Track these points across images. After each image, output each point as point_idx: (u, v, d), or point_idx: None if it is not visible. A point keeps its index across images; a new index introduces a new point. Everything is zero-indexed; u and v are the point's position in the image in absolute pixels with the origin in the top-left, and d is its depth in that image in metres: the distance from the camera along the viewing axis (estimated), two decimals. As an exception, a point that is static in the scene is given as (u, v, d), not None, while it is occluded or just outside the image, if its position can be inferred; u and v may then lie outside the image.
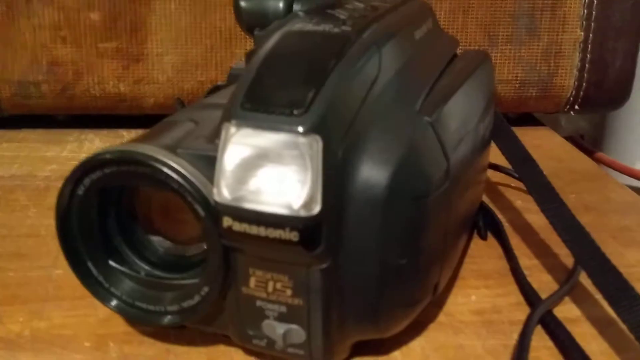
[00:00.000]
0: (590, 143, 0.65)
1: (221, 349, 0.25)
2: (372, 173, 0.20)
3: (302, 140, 0.19)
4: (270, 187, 0.19)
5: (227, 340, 0.26)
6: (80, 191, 0.22)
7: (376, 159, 0.21)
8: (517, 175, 0.40)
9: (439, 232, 0.23)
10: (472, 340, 0.27)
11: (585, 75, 0.50)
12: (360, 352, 0.25)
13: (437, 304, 0.28)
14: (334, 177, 0.20)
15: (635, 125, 0.59)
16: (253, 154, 0.19)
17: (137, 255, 0.25)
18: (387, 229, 0.21)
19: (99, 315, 0.27)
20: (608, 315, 0.28)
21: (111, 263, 0.24)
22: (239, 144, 0.19)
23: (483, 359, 0.25)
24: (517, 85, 0.50)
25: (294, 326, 0.22)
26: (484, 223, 0.35)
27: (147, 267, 0.24)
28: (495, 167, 0.41)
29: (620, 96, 0.52)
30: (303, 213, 0.19)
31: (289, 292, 0.21)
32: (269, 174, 0.19)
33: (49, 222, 0.35)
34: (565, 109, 0.52)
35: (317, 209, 0.19)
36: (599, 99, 0.51)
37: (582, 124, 0.68)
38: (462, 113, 0.25)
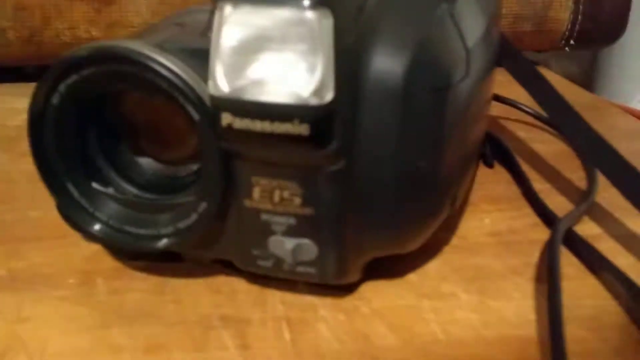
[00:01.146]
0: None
1: (221, 279, 0.23)
2: (388, 62, 0.18)
3: (309, 15, 0.16)
4: (275, 73, 0.17)
5: (227, 270, 0.23)
6: (55, 100, 0.20)
7: (392, 46, 0.18)
8: (520, 105, 0.38)
9: (458, 133, 0.21)
10: (491, 260, 0.25)
11: (581, 7, 0.48)
12: (372, 274, 0.23)
13: (449, 228, 0.26)
14: (347, 63, 0.17)
15: (627, 64, 0.58)
16: (253, 36, 0.17)
17: (123, 178, 0.22)
18: (406, 125, 0.18)
19: (84, 253, 0.25)
20: (630, 231, 0.27)
21: (94, 185, 0.21)
22: (237, 25, 0.17)
23: (506, 277, 0.24)
24: (511, 20, 0.48)
25: (304, 240, 0.20)
26: (490, 150, 0.33)
27: (135, 190, 0.22)
28: (497, 99, 0.38)
29: (615, 30, 0.50)
30: (314, 101, 0.17)
31: (297, 200, 0.19)
32: (273, 58, 0.17)
33: (23, 167, 0.33)
34: (561, 44, 0.50)
35: (329, 96, 0.17)
36: (594, 32, 0.49)
37: (573, 68, 0.66)
38: (474, 12, 0.23)
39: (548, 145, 0.36)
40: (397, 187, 0.19)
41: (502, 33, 0.31)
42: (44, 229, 0.26)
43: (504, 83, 0.32)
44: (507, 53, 0.31)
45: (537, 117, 0.38)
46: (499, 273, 0.24)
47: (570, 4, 0.48)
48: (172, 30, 0.21)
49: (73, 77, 0.19)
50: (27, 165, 0.33)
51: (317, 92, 0.17)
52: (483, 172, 0.32)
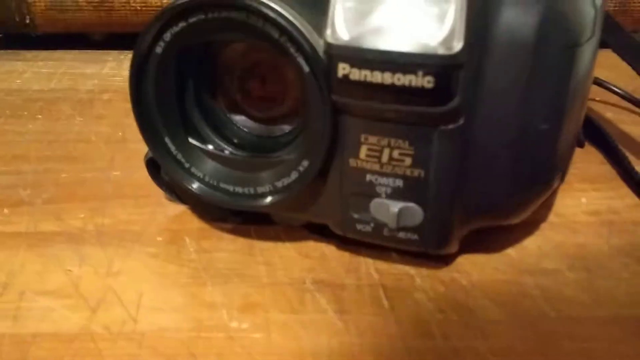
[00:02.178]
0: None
1: (310, 244, 0.22)
2: (519, 15, 0.17)
3: (444, -43, 0.15)
4: (400, 20, 0.16)
5: (315, 235, 0.23)
6: (159, 49, 0.19)
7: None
8: (610, 86, 0.37)
9: (580, 98, 0.19)
10: (593, 239, 0.23)
11: (668, -13, 0.46)
12: (469, 249, 0.22)
13: (546, 205, 0.25)
14: (477, 14, 0.16)
15: None
16: (381, -21, 0.16)
17: (218, 135, 0.21)
18: (533, 82, 0.17)
19: (169, 213, 0.24)
20: None
21: (191, 140, 0.21)
22: (364, -33, 0.16)
23: (612, 257, 0.22)
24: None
25: (410, 204, 0.19)
26: (582, 130, 0.31)
27: (230, 148, 0.21)
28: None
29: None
30: (442, 51, 0.16)
31: (408, 161, 0.18)
32: (399, 4, 0.16)
33: (99, 129, 0.33)
34: (644, 26, 0.47)
35: (458, 47, 0.16)
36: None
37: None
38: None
39: (637, 127, 0.34)
40: (516, 149, 0.18)
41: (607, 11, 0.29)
42: (127, 188, 0.26)
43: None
44: (609, 26, 0.29)
45: (627, 98, 0.36)
46: (604, 253, 0.22)
47: (657, -17, 0.46)
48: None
49: (180, 25, 0.19)
50: (103, 127, 0.33)
51: (446, 41, 0.16)
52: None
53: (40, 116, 0.34)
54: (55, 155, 0.29)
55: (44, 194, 0.26)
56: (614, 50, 0.29)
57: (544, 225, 0.24)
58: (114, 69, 0.43)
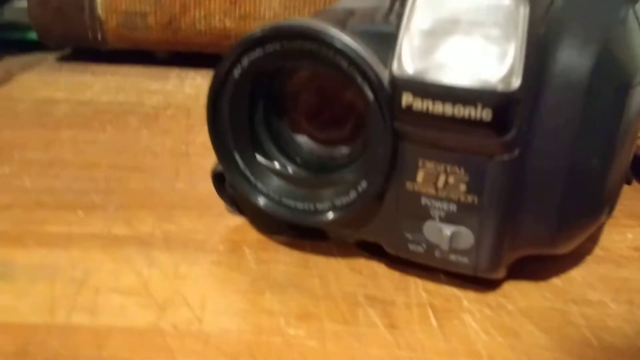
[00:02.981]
0: None
1: (362, 261, 0.24)
2: (575, 56, 0.18)
3: (507, 1, 0.17)
4: (463, 57, 0.17)
5: (366, 254, 0.24)
6: (237, 73, 0.21)
7: (580, 41, 0.18)
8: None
9: (629, 136, 0.20)
10: (637, 273, 0.24)
11: None
12: (515, 275, 0.23)
13: (592, 239, 0.26)
14: (535, 54, 0.17)
15: None
16: (445, 18, 0.17)
17: (282, 154, 0.23)
18: (586, 120, 0.18)
19: (229, 224, 0.26)
20: None
21: (258, 157, 0.23)
22: (430, 6, 0.17)
23: (656, 291, 0.23)
24: None
25: (462, 228, 0.20)
26: (631, 167, 0.32)
27: (292, 166, 0.23)
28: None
29: None
30: (500, 88, 0.17)
31: (462, 187, 0.19)
32: (463, 42, 0.17)
33: (164, 142, 0.35)
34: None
35: (516, 84, 0.17)
36: None
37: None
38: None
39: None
40: (567, 183, 0.19)
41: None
42: (191, 199, 0.28)
43: None
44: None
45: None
46: (649, 287, 0.23)
47: None
48: (345, 14, 0.22)
49: (257, 52, 0.20)
50: (168, 141, 0.35)
51: (505, 78, 0.17)
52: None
53: (109, 127, 0.37)
54: (125, 164, 0.32)
55: (115, 200, 0.28)
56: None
57: (589, 258, 0.25)
58: (177, 86, 0.46)
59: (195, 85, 0.46)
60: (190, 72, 0.49)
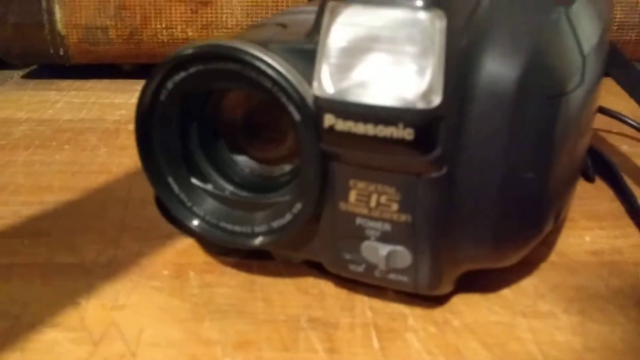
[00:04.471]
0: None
1: (310, 280, 0.23)
2: (501, 66, 0.17)
3: (422, 16, 0.16)
4: (382, 75, 0.17)
5: (315, 272, 0.23)
6: (163, 96, 0.20)
7: (505, 50, 0.17)
8: (624, 118, 0.36)
9: (568, 145, 0.20)
10: (592, 280, 0.23)
11: (693, 16, 0.45)
12: (465, 287, 0.22)
13: (547, 244, 0.25)
14: (457, 67, 0.17)
15: None
16: (362, 36, 0.17)
17: (220, 175, 0.22)
18: (515, 133, 0.18)
19: (177, 246, 0.25)
20: None
21: (193, 180, 0.22)
22: (346, 25, 0.17)
23: (609, 299, 0.22)
24: (615, 28, 0.46)
25: (398, 247, 0.19)
26: (592, 164, 0.31)
27: (231, 187, 0.22)
28: (600, 111, 0.36)
29: None
30: (420, 105, 0.16)
31: (395, 206, 0.19)
32: (381, 59, 0.17)
33: (121, 161, 0.34)
34: (669, 55, 0.47)
35: (436, 101, 0.16)
36: None
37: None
38: (590, 18, 0.22)
39: (654, 161, 0.33)
40: (501, 198, 0.18)
41: (611, 41, 0.29)
42: (141, 221, 0.27)
43: (603, 93, 0.30)
44: (616, 61, 0.29)
45: (641, 130, 0.35)
46: (602, 295, 0.22)
47: (682, 11, 0.45)
48: (275, 30, 0.21)
49: (181, 74, 0.20)
50: (125, 158, 0.35)
51: (425, 96, 0.16)
52: (583, 187, 0.30)
53: (67, 146, 0.36)
54: (78, 186, 0.31)
55: (63, 225, 0.27)
56: (619, 84, 0.29)
57: (543, 265, 0.24)
58: (141, 98, 0.45)
59: (160, 97, 0.46)
60: (157, 83, 0.48)
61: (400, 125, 0.17)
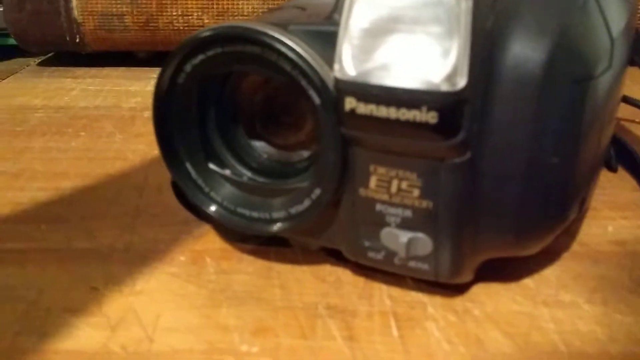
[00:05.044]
0: None
1: (327, 268, 0.23)
2: (527, 48, 0.17)
3: (447, -5, 0.16)
4: (405, 56, 0.16)
5: (332, 259, 0.23)
6: (181, 79, 0.20)
7: (532, 32, 0.17)
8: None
9: (594, 131, 0.19)
10: (615, 270, 0.23)
11: None
12: (485, 276, 0.22)
13: (569, 233, 0.25)
14: (482, 49, 0.16)
15: None
16: (385, 16, 0.16)
17: (238, 161, 0.22)
18: (541, 117, 0.17)
19: (193, 233, 0.25)
20: None
21: (211, 166, 0.22)
22: (369, 4, 0.16)
23: (633, 290, 0.22)
24: None
25: (419, 234, 0.19)
26: (615, 154, 0.30)
27: (249, 173, 0.22)
28: (623, 100, 0.36)
29: None
30: (445, 88, 0.16)
31: (416, 192, 0.18)
32: (404, 40, 0.16)
33: (136, 147, 0.34)
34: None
35: (461, 83, 0.16)
36: None
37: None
38: (617, 3, 0.21)
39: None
40: (526, 184, 0.18)
41: (636, 28, 0.28)
42: (157, 207, 0.27)
43: (627, 83, 0.29)
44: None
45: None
46: (626, 285, 0.22)
47: None
48: (294, 12, 0.21)
49: (199, 57, 0.19)
50: (141, 145, 0.34)
51: (449, 78, 0.16)
52: (606, 177, 0.30)
53: (83, 133, 0.36)
54: (94, 172, 0.31)
55: (79, 211, 0.27)
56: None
57: (565, 255, 0.24)
58: (157, 86, 0.45)
59: (176, 84, 0.45)
60: (172, 71, 0.48)
61: (424, 109, 0.16)
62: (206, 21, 0.46)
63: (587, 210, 0.26)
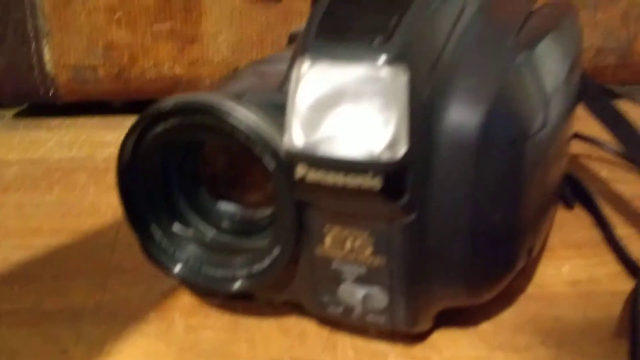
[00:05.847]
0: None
1: (292, 320, 0.24)
2: (464, 114, 0.18)
3: (385, 71, 0.17)
4: (349, 128, 0.17)
5: (298, 311, 0.24)
6: (143, 147, 0.21)
7: (467, 98, 0.18)
8: (603, 144, 0.37)
9: (536, 184, 0.20)
10: (569, 311, 0.24)
11: (669, 39, 0.46)
12: (444, 322, 0.23)
13: (526, 275, 0.26)
14: (421, 116, 0.18)
15: None
16: (329, 91, 0.17)
17: (202, 220, 0.23)
18: (481, 178, 0.18)
19: (163, 287, 0.26)
20: None
21: (176, 227, 0.23)
22: (314, 81, 0.17)
23: (585, 331, 0.23)
24: (594, 53, 0.47)
25: (374, 289, 0.20)
26: (571, 192, 0.32)
27: (213, 231, 0.23)
28: (579, 137, 0.37)
29: None
30: (386, 156, 0.17)
31: (369, 250, 0.19)
32: (347, 113, 0.17)
33: (109, 200, 0.35)
34: (647, 77, 0.48)
35: (402, 151, 0.17)
36: (684, 65, 0.47)
37: (661, 98, 0.63)
38: (554, 58, 0.23)
39: (632, 186, 0.34)
40: (471, 240, 0.19)
41: (583, 70, 0.30)
42: (128, 262, 0.28)
43: (584, 119, 0.30)
44: (588, 91, 0.30)
45: (621, 155, 0.36)
46: (579, 327, 0.23)
47: (658, 35, 0.46)
48: (251, 80, 0.22)
49: (160, 127, 0.20)
50: (113, 198, 0.35)
51: (390, 147, 0.17)
52: (563, 215, 0.31)
53: (57, 187, 0.37)
54: (67, 228, 0.32)
55: (52, 269, 0.28)
56: (593, 114, 0.29)
57: (522, 297, 0.25)
58: (131, 135, 0.46)
59: (150, 132, 0.46)
60: (147, 119, 0.49)
61: (369, 176, 0.17)
62: (177, 71, 0.47)
63: (543, 250, 0.28)
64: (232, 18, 0.46)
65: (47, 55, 0.46)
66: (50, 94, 0.48)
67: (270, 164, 0.19)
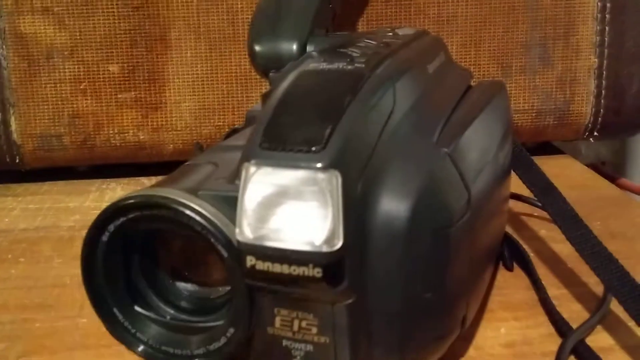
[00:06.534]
0: (612, 169, 0.64)
1: (249, 393, 0.25)
2: (392, 206, 0.20)
3: (321, 176, 0.19)
4: (292, 224, 0.20)
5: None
6: (105, 237, 0.23)
7: (396, 191, 0.21)
8: (540, 204, 0.40)
9: (464, 263, 0.23)
10: (504, 374, 0.26)
11: (602, 101, 0.50)
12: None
13: (466, 338, 0.28)
14: (355, 211, 0.20)
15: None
16: (273, 192, 0.20)
17: (162, 300, 0.25)
18: (410, 262, 0.21)
19: (127, 361, 0.27)
20: (643, 342, 0.27)
21: (136, 308, 0.24)
22: (259, 183, 0.20)
23: (517, 393, 0.25)
24: (533, 115, 0.50)
25: (321, 365, 0.22)
26: (509, 254, 0.34)
27: (172, 311, 0.24)
28: (518, 197, 0.40)
29: (639, 121, 0.51)
30: (325, 249, 0.19)
31: (314, 330, 0.21)
32: (290, 211, 0.20)
33: (74, 272, 0.36)
34: (584, 136, 0.51)
35: (339, 244, 0.19)
36: (617, 124, 0.51)
37: (603, 150, 0.67)
38: (480, 143, 0.25)
39: (567, 246, 0.36)
40: (405, 318, 0.21)
41: (515, 142, 0.33)
42: (93, 337, 0.29)
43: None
44: (520, 161, 0.33)
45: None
46: (512, 389, 0.25)
47: (592, 98, 0.50)
48: (207, 170, 0.24)
49: (120, 219, 0.22)
50: (78, 269, 0.36)
51: (328, 240, 0.19)
52: (503, 276, 0.33)
53: (22, 259, 0.38)
54: (32, 303, 0.33)
55: (18, 347, 0.29)
56: (524, 183, 0.32)
57: (462, 360, 0.27)
58: (96, 200, 0.47)
59: (115, 197, 0.47)
60: (112, 183, 0.50)
61: (310, 265, 0.19)
62: (142, 137, 0.49)
63: (484, 311, 0.30)
64: (195, 87, 0.48)
65: (13, 125, 0.48)
66: (16, 162, 0.49)
67: (223, 252, 0.21)
